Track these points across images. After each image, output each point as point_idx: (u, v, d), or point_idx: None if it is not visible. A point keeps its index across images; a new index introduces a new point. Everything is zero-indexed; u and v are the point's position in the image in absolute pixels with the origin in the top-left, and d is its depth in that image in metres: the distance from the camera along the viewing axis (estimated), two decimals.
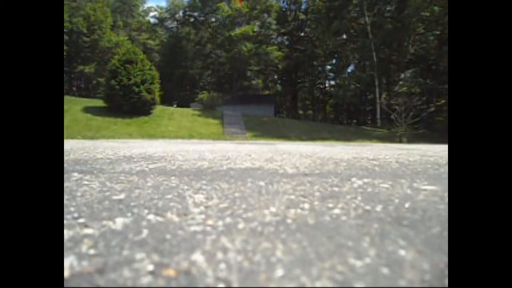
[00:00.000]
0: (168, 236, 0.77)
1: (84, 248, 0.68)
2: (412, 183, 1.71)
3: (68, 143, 6.99)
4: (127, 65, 20.57)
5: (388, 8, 31.86)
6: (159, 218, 0.93)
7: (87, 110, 21.24)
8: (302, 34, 40.98)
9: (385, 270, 0.59)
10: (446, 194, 1.37)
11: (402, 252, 0.68)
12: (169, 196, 1.27)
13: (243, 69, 38.67)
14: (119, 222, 0.88)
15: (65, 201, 1.15)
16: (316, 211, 1.04)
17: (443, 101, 25.52)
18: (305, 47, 39.17)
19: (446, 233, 0.81)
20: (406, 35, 29.11)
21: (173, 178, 1.81)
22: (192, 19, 42.62)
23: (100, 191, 1.38)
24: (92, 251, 0.67)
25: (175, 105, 31.32)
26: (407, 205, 1.16)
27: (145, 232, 0.80)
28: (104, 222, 0.88)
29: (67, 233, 0.78)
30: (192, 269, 0.58)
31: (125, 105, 20.49)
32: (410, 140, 18.96)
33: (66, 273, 0.56)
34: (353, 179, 1.82)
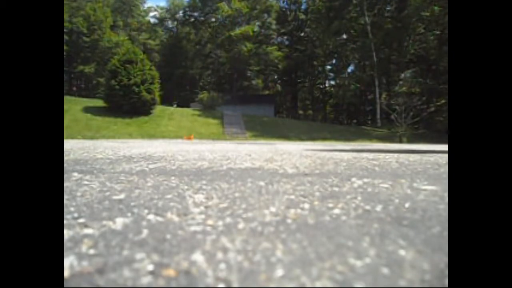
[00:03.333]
0: (168, 236, 0.77)
1: (84, 248, 0.68)
2: (412, 183, 1.71)
3: (68, 143, 6.99)
4: (127, 65, 20.58)
5: (388, 8, 31.87)
6: (159, 218, 0.93)
7: (87, 110, 21.25)
8: (302, 34, 40.99)
9: (385, 270, 0.59)
10: (446, 194, 1.37)
11: (402, 252, 0.68)
12: (169, 196, 1.27)
13: (243, 69, 38.68)
14: (119, 222, 0.88)
15: (65, 201, 1.15)
16: (316, 211, 1.04)
17: (443, 101, 25.53)
18: (305, 47, 39.18)
19: (446, 233, 0.81)
20: (406, 35, 29.12)
21: (173, 178, 1.81)
22: (192, 19, 42.66)
23: (100, 191, 1.38)
24: (92, 251, 0.67)
25: (175, 105, 31.32)
26: (407, 205, 1.16)
27: (145, 232, 0.80)
28: (104, 222, 0.88)
29: (67, 233, 0.78)
30: (192, 269, 0.58)
31: (125, 105, 20.50)
32: (410, 140, 18.97)
33: (66, 273, 0.56)
34: (353, 179, 1.82)
